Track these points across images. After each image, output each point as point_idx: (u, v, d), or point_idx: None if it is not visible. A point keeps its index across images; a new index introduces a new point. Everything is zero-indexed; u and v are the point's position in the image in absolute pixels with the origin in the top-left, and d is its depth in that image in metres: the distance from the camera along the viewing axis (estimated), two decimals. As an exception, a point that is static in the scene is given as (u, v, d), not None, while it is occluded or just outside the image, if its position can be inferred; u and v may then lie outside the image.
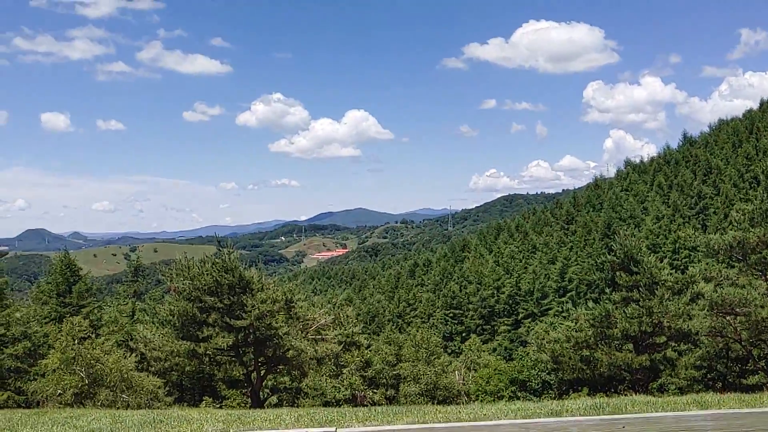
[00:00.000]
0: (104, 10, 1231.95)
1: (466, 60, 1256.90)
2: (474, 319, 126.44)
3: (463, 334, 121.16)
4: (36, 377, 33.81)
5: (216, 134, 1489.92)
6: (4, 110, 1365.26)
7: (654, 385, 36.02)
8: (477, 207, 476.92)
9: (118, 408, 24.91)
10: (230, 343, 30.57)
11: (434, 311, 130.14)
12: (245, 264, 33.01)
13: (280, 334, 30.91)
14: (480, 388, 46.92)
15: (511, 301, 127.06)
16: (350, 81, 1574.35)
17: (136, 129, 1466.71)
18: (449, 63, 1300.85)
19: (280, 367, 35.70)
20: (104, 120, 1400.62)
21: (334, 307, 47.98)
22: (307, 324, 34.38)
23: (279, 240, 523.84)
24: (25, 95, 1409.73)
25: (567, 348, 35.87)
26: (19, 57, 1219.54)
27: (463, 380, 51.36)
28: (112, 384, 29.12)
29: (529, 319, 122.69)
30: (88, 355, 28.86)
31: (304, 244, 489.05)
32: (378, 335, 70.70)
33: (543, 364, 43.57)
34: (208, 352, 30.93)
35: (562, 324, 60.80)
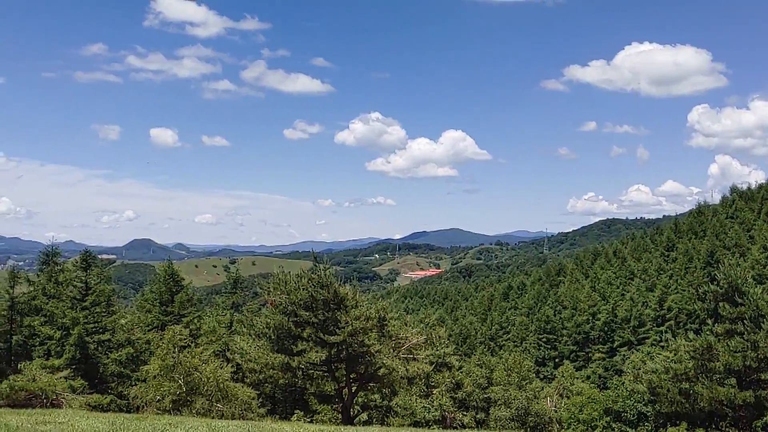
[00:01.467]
0: (212, 30, 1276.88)
1: (566, 82, 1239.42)
2: (568, 345, 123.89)
3: (556, 360, 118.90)
4: (137, 382, 35.05)
5: (315, 152, 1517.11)
6: (117, 125, 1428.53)
7: (758, 424, 34.33)
8: (574, 230, 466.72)
9: (213, 417, 25.53)
10: (323, 358, 30.88)
11: (527, 335, 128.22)
12: (340, 280, 33.31)
13: (372, 351, 31.02)
14: (572, 417, 45.86)
15: (606, 328, 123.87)
16: (448, 101, 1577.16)
17: (239, 145, 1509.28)
18: (549, 84, 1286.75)
19: (371, 384, 35.80)
20: (209, 136, 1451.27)
21: (426, 327, 47.82)
22: (399, 343, 34.37)
23: (373, 258, 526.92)
24: (136, 111, 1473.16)
25: (665, 379, 34.61)
26: (131, 74, 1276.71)
27: (555, 407, 50.39)
28: (209, 393, 29.87)
29: (625, 348, 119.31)
30: (187, 364, 29.75)
31: (398, 263, 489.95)
32: (469, 357, 70.13)
33: (639, 395, 42.20)
34: (301, 366, 31.33)
35: (659, 354, 58.74)
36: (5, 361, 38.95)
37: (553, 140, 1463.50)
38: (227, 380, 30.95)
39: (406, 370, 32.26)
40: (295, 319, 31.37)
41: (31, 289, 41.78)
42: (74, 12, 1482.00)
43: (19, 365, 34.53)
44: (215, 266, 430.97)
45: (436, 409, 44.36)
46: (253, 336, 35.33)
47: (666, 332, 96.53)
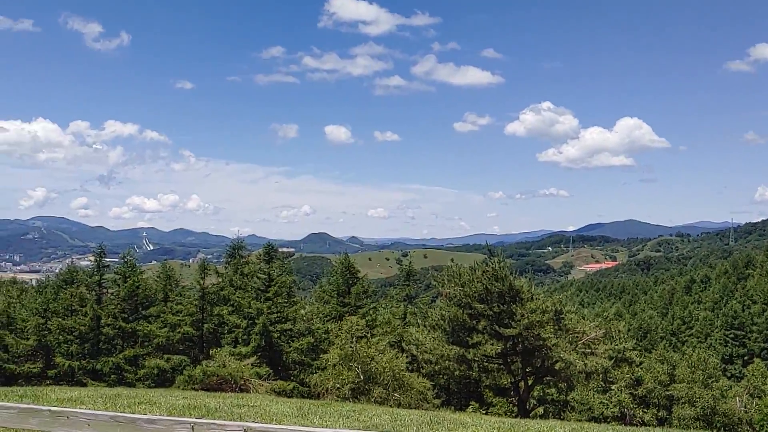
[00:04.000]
0: (384, 28, 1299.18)
1: (752, 62, 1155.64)
2: (758, 342, 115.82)
3: (745, 358, 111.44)
4: (317, 370, 36.27)
5: (485, 144, 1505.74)
6: (295, 124, 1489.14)
7: None
8: (764, 220, 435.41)
9: (390, 406, 25.92)
10: (498, 350, 30.67)
11: (712, 331, 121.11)
12: (514, 273, 32.95)
13: (549, 345, 30.46)
14: (765, 418, 42.85)
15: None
16: (623, 88, 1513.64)
17: (410, 139, 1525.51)
18: (733, 66, 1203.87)
19: (548, 378, 35.20)
20: (381, 131, 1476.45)
21: (604, 321, 46.29)
22: (577, 336, 33.54)
23: (546, 250, 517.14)
24: (312, 109, 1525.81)
25: None
26: (307, 75, 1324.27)
27: (745, 408, 47.27)
28: (385, 382, 30.38)
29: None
30: (364, 353, 30.41)
31: (572, 255, 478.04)
32: (650, 353, 67.12)
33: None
34: (476, 358, 31.29)
35: None
36: (198, 348, 41.60)
37: (739, 125, 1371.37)
38: (403, 370, 31.35)
39: (584, 364, 31.42)
40: (470, 311, 31.35)
41: (220, 280, 44.33)
42: (255, 17, 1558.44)
43: (210, 351, 36.78)
44: (388, 259, 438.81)
45: (614, 405, 42.93)
46: (428, 327, 35.65)
47: None
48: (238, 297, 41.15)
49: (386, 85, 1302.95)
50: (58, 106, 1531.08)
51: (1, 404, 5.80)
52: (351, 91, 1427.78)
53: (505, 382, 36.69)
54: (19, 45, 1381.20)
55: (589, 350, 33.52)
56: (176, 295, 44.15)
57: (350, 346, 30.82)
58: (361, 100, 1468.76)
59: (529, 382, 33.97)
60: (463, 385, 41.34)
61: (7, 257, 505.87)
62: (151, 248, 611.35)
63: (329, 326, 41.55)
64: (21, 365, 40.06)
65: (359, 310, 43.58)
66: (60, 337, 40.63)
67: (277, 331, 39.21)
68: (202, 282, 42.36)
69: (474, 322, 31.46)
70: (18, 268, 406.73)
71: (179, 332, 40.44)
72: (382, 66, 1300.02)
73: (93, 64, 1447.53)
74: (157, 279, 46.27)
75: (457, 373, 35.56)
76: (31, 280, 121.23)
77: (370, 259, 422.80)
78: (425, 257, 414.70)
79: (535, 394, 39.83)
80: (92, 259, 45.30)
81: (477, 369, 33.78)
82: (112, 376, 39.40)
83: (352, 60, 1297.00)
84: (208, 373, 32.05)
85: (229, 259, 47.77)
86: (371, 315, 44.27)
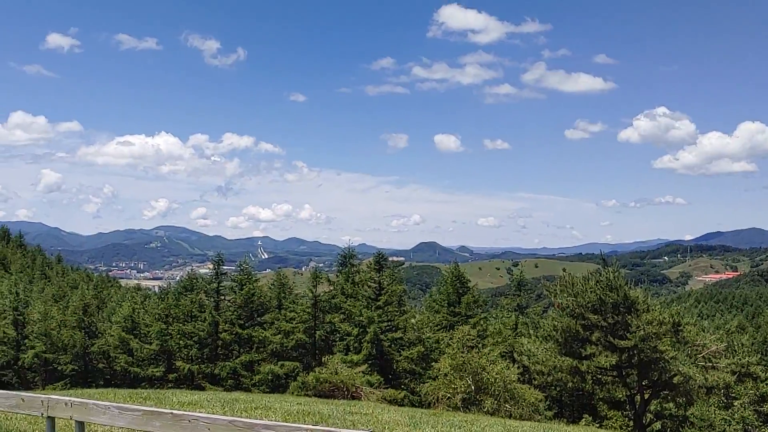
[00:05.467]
0: (493, 36, 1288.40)
1: None
2: None
3: None
4: (428, 380, 36.29)
5: (597, 151, 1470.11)
6: (405, 133, 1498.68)
7: None
8: None
9: (501, 417, 25.67)
10: (613, 362, 29.87)
11: None
12: (629, 283, 32.01)
13: (667, 358, 29.42)
14: None
15: None
16: (744, 90, 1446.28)
17: (520, 148, 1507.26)
18: None
19: (665, 392, 33.96)
20: (491, 140, 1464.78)
21: (725, 334, 44.29)
22: (696, 349, 32.27)
23: (662, 260, 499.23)
24: (422, 119, 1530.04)
25: None
26: (417, 85, 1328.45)
27: None
28: (496, 393, 30.08)
29: None
30: (475, 363, 30.22)
31: (689, 265, 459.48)
32: (777, 368, 63.71)
33: None
34: (590, 370, 30.57)
35: None
36: (310, 354, 42.40)
37: None
38: (514, 381, 30.97)
39: (705, 378, 30.20)
40: (583, 322, 30.68)
41: (331, 288, 45.07)
42: (364, 30, 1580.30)
43: (322, 358, 37.44)
44: (498, 268, 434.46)
45: (737, 422, 40.91)
46: (540, 338, 35.09)
47: None
48: (349, 305, 41.68)
49: (496, 93, 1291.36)
50: (179, 120, 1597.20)
51: (127, 406, 6.11)
52: (460, 100, 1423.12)
53: (620, 396, 35.62)
54: (143, 63, 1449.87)
55: (710, 364, 32.17)
56: (290, 303, 45.18)
57: (461, 356, 30.70)
58: (470, 109, 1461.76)
59: (646, 396, 32.87)
60: (576, 398, 40.43)
61: (132, 265, 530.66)
62: (266, 257, 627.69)
63: (440, 336, 41.54)
64: (145, 369, 41.95)
65: (470, 319, 43.37)
66: (180, 342, 42.30)
67: (387, 339, 39.47)
68: (314, 290, 43.17)
69: (587, 333, 30.75)
70: (142, 275, 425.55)
71: (293, 339, 41.34)
72: (491, 74, 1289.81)
73: (211, 80, 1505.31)
74: (272, 287, 47.51)
75: (569, 385, 34.80)
76: (154, 286, 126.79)
77: (480, 268, 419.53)
78: (536, 267, 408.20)
79: (652, 408, 38.47)
80: (211, 267, 46.96)
81: (590, 381, 32.94)
82: (229, 381, 40.67)
83: (461, 69, 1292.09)
84: (321, 379, 32.63)
85: (341, 268, 48.48)
86: (482, 325, 43.96)
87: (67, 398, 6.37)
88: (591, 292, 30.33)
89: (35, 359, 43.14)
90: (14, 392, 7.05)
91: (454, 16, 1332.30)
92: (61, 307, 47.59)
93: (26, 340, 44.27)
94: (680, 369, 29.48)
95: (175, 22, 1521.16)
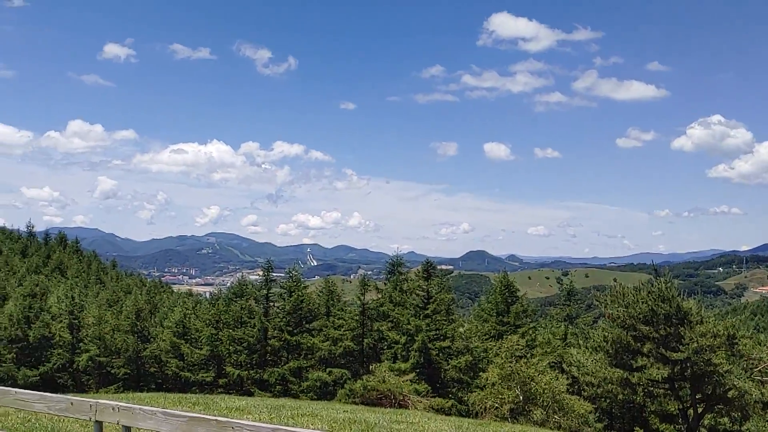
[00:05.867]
0: (544, 44, 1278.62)
1: None
2: None
3: None
4: (475, 389, 36.09)
5: (649, 160, 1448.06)
6: (454, 142, 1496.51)
7: None
8: None
9: (550, 428, 25.43)
10: (665, 375, 29.35)
11: None
12: (682, 294, 31.42)
13: (721, 371, 28.82)
14: None
15: None
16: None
17: (570, 156, 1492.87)
18: None
19: (719, 406, 33.22)
20: (541, 148, 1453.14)
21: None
22: (752, 363, 31.51)
23: (716, 271, 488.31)
24: (471, 127, 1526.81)
25: None
26: (466, 93, 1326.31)
27: None
28: (545, 404, 29.80)
29: None
30: (524, 373, 29.98)
31: (745, 277, 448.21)
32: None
33: None
34: (641, 382, 30.09)
35: None
36: (358, 362, 42.49)
37: None
38: (563, 392, 30.64)
39: (761, 393, 29.47)
40: (634, 333, 30.24)
41: (379, 296, 45.12)
42: (414, 39, 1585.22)
43: (370, 366, 37.49)
44: (548, 278, 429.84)
45: (796, 439, 39.82)
46: (589, 349, 34.68)
47: None
48: (397, 313, 41.69)
49: (546, 101, 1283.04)
50: (231, 128, 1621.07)
51: (173, 412, 6.21)
52: (510, 108, 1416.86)
53: (672, 409, 34.93)
54: (197, 72, 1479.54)
55: (767, 378, 31.39)
56: (338, 310, 45.37)
57: (509, 366, 30.48)
58: (520, 117, 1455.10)
59: (699, 410, 32.19)
60: (626, 410, 39.76)
61: (185, 271, 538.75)
62: (315, 264, 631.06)
63: (488, 345, 41.27)
64: (195, 373, 42.53)
65: (518, 329, 43.03)
66: (230, 347, 42.79)
67: (435, 348, 39.35)
68: (362, 297, 43.30)
69: (638, 344, 30.29)
70: (194, 281, 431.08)
71: (341, 346, 41.49)
72: (542, 82, 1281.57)
73: (263, 88, 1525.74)
74: (320, 294, 47.76)
75: (620, 397, 34.27)
76: (205, 292, 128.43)
77: (529, 277, 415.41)
78: (586, 276, 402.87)
79: (706, 422, 37.65)
80: (260, 273, 47.41)
81: (641, 393, 32.38)
82: (278, 387, 40.99)
83: (511, 77, 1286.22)
84: (368, 387, 32.68)
85: (389, 276, 48.52)
86: (531, 334, 43.57)
87: (115, 403, 6.53)
88: (642, 302, 29.89)
89: (89, 362, 44.06)
90: (64, 396, 7.24)
91: (505, 24, 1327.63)
92: (115, 311, 48.55)
93: (81, 344, 45.25)
94: (735, 383, 28.83)
95: (228, 33, 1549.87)
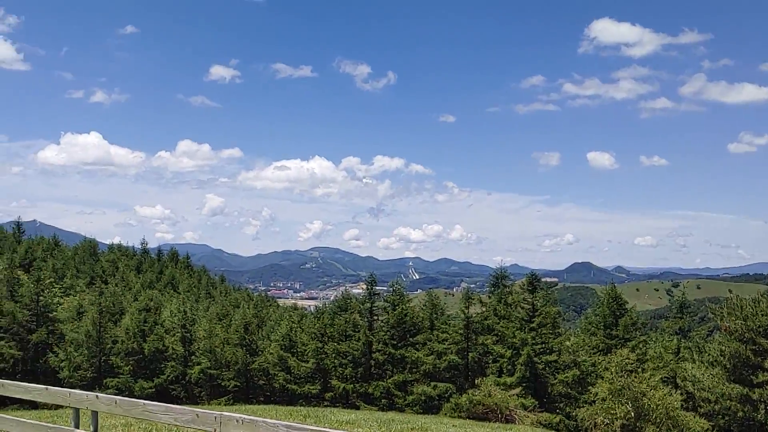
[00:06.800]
0: (648, 49, 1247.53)
1: None
2: None
3: None
4: (584, 404, 35.23)
5: (764, 165, 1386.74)
6: (556, 152, 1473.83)
7: None
8: None
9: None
10: (789, 392, 27.90)
11: None
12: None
13: None
14: None
15: None
16: None
17: (678, 163, 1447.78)
18: None
19: None
20: (647, 156, 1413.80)
21: None
22: None
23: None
24: (574, 136, 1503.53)
25: None
26: (568, 102, 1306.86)
27: None
28: (658, 420, 28.81)
29: None
30: (635, 389, 29.07)
31: None
32: None
33: None
34: (763, 398, 28.70)
35: None
36: (463, 376, 42.20)
37: None
38: (677, 409, 29.53)
39: None
40: (754, 347, 28.92)
41: (483, 309, 44.72)
42: (513, 49, 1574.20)
43: (475, 380, 37.16)
44: (657, 289, 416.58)
45: None
46: (705, 363, 33.35)
47: None
48: (502, 327, 41.25)
49: (652, 107, 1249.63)
50: (332, 144, 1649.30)
51: (295, 425, 6.15)
52: (614, 115, 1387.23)
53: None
54: (298, 90, 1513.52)
55: None
56: (442, 324, 45.25)
57: (620, 380, 29.61)
58: (625, 125, 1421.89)
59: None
60: (746, 428, 37.89)
61: (289, 285, 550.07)
62: (417, 277, 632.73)
63: (596, 359, 40.27)
64: (301, 386, 43.20)
65: (628, 342, 41.76)
66: (335, 360, 43.25)
67: (541, 362, 38.73)
68: (466, 311, 43.07)
69: (759, 359, 28.91)
70: (298, 295, 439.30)
71: (445, 360, 41.33)
72: (647, 88, 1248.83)
73: (362, 104, 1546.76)
74: (424, 307, 47.76)
75: (739, 414, 32.75)
76: (309, 306, 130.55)
77: (637, 289, 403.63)
78: (698, 288, 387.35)
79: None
80: (363, 287, 47.79)
81: (764, 411, 30.85)
82: (383, 401, 41.13)
83: (614, 84, 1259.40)
84: (474, 401, 32.42)
85: (493, 289, 48.08)
86: (641, 348, 42.17)
87: (238, 415, 6.61)
88: (762, 315, 28.58)
89: (201, 375, 45.36)
90: (189, 408, 7.41)
91: (607, 30, 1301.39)
92: (224, 325, 49.85)
93: (193, 357, 46.66)
94: None
95: (328, 50, 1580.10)
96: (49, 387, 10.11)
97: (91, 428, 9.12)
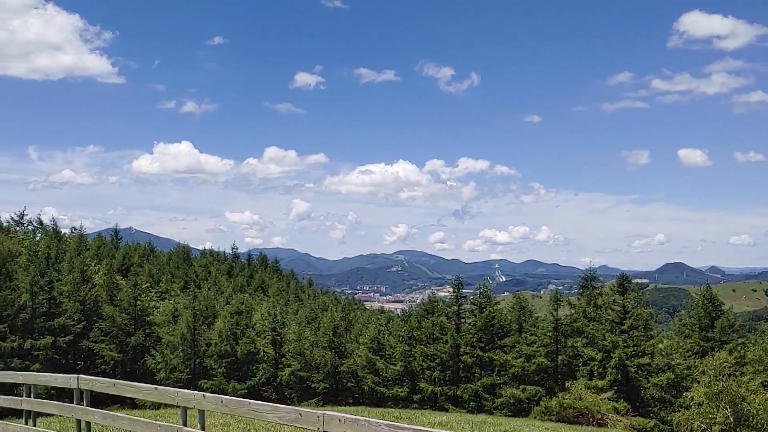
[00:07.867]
0: (742, 40, 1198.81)
1: None
2: None
3: None
4: (679, 409, 34.31)
5: None
6: (645, 150, 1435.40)
7: None
8: None
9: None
10: None
11: None
12: None
13: None
14: None
15: None
16: None
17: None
18: None
19: None
20: (742, 152, 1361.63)
21: None
22: None
23: None
24: (664, 134, 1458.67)
25: None
26: (657, 98, 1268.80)
27: None
28: (759, 426, 27.87)
29: None
30: (734, 393, 28.19)
31: None
32: None
33: None
34: None
35: None
36: (552, 379, 41.71)
37: None
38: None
39: None
40: None
41: (572, 311, 44.10)
42: (600, 45, 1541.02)
43: (565, 383, 36.67)
44: (754, 290, 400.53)
45: None
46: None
47: None
48: (592, 329, 40.57)
49: (746, 101, 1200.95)
50: (416, 147, 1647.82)
51: (398, 425, 6.23)
52: (706, 111, 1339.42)
53: None
54: (382, 94, 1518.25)
55: None
56: (530, 326, 44.85)
57: (717, 384, 28.74)
58: (718, 120, 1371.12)
59: None
60: None
61: (375, 288, 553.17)
62: (503, 279, 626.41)
63: (691, 362, 39.17)
64: (390, 388, 43.49)
65: (725, 345, 40.45)
66: (423, 363, 43.38)
67: (633, 365, 37.93)
68: (555, 313, 42.59)
69: None
70: (384, 298, 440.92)
71: (534, 363, 40.93)
72: (741, 82, 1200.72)
73: (446, 106, 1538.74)
74: (511, 310, 47.41)
75: None
76: (396, 309, 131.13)
77: (733, 290, 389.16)
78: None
79: None
80: (450, 290, 47.79)
81: None
82: (471, 403, 41.03)
83: (706, 78, 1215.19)
84: (565, 405, 32.02)
85: (582, 290, 47.36)
86: (739, 351, 40.77)
87: (341, 414, 6.76)
88: None
89: (291, 377, 46.18)
90: (293, 407, 7.65)
91: (697, 23, 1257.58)
92: (313, 328, 50.65)
93: (283, 359, 47.55)
94: None
95: (411, 53, 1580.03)
96: (158, 386, 10.61)
97: (198, 426, 9.56)
